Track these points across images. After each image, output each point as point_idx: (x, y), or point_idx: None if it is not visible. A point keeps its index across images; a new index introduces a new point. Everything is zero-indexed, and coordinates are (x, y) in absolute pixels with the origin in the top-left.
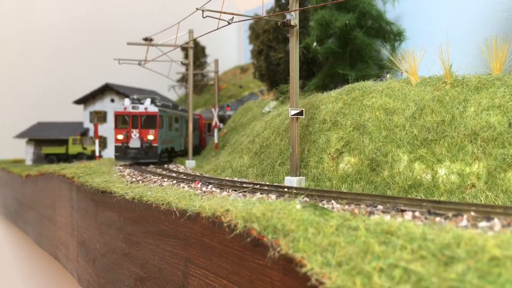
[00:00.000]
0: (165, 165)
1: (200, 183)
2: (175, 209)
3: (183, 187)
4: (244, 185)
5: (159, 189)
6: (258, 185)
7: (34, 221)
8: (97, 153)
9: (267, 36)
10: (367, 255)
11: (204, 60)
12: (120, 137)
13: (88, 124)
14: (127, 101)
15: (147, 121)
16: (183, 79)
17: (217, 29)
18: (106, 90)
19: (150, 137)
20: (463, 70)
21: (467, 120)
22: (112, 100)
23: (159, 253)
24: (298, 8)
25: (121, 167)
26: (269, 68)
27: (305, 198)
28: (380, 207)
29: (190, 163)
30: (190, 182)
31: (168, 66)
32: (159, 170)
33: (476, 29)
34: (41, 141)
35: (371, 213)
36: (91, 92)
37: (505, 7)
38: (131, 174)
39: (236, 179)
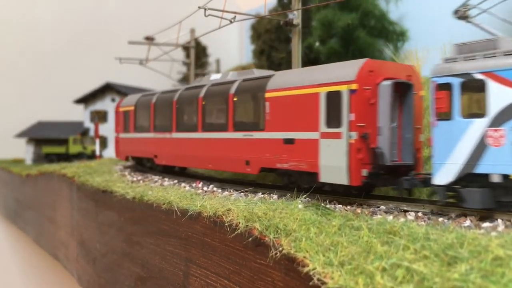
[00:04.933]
0: None
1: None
2: (176, 209)
3: (184, 187)
4: None
5: (160, 189)
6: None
7: (34, 221)
8: (97, 153)
9: (269, 36)
10: (369, 255)
11: (206, 60)
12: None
13: (88, 124)
14: None
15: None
16: (185, 79)
17: (219, 28)
18: (107, 89)
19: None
20: None
21: None
22: (113, 100)
23: (160, 253)
24: (300, 7)
25: (121, 167)
26: (271, 68)
27: (307, 198)
28: (382, 207)
29: None
30: None
31: (170, 65)
32: None
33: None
34: (42, 140)
35: (373, 213)
36: (92, 92)
37: (507, 7)
38: (132, 173)
39: None
